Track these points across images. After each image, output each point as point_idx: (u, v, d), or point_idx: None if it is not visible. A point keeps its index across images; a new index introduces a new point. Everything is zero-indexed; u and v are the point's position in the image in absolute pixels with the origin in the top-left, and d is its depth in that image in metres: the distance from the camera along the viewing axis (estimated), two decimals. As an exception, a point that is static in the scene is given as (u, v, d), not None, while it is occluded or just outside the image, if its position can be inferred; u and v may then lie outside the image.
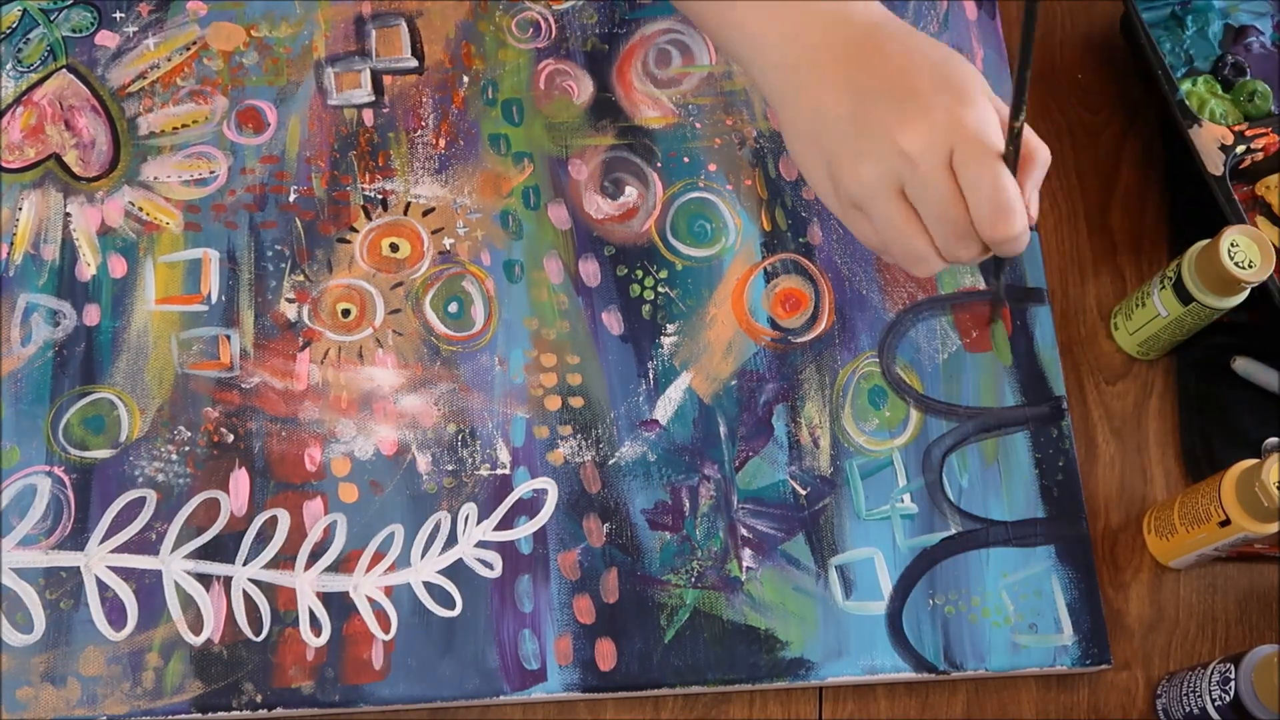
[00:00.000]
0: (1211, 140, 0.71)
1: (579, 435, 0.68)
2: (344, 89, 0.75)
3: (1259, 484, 0.59)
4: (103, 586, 0.64)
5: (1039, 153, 0.53)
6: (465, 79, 0.76)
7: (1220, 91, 0.75)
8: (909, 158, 0.50)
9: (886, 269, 0.72)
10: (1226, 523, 0.61)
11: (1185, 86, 0.74)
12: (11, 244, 0.70)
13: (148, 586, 0.64)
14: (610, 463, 0.67)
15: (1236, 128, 0.72)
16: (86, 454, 0.66)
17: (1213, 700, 0.60)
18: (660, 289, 0.71)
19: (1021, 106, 0.50)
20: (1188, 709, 0.62)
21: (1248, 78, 0.75)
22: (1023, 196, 0.50)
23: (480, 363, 0.69)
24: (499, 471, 0.67)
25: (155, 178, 0.72)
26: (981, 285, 0.72)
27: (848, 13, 0.54)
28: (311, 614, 0.64)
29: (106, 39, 0.75)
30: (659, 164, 0.74)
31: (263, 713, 0.62)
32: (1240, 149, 0.71)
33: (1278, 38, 0.77)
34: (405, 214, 0.72)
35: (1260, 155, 0.72)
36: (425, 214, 0.72)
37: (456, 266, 0.71)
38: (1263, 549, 0.65)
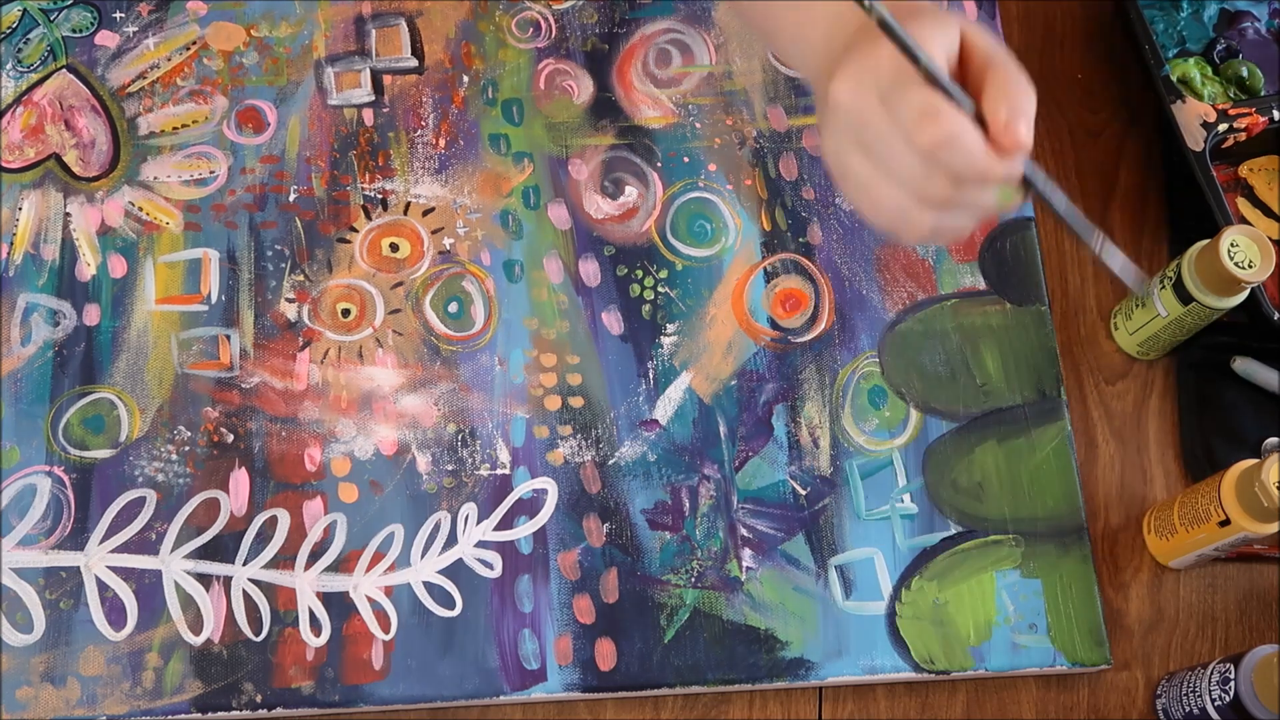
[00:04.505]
0: (1194, 116, 0.71)
1: (579, 435, 0.68)
2: (344, 89, 0.75)
3: (1259, 484, 0.59)
4: (103, 586, 0.64)
5: (1010, 73, 0.47)
6: (465, 79, 0.76)
7: (1210, 74, 0.75)
8: (843, 108, 0.47)
9: (886, 269, 0.72)
10: (1226, 523, 0.61)
11: (1175, 66, 0.74)
12: (11, 244, 0.70)
13: (147, 586, 0.64)
14: (610, 463, 0.67)
15: (1220, 106, 0.72)
16: (86, 454, 0.66)
17: (1212, 700, 0.60)
18: (660, 289, 0.71)
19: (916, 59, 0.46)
20: (1188, 709, 0.62)
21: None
22: (1007, 121, 0.46)
23: (480, 363, 0.69)
24: (499, 471, 0.67)
25: (155, 178, 0.72)
26: (981, 285, 0.72)
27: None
28: (311, 614, 0.64)
29: (106, 39, 0.75)
30: (659, 164, 0.74)
31: (263, 713, 0.62)
32: (1223, 127, 0.71)
33: (1273, 24, 0.77)
34: (405, 214, 0.72)
35: (1243, 135, 0.72)
36: (425, 214, 0.72)
37: (456, 266, 0.71)
38: (1263, 549, 0.65)
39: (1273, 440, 0.70)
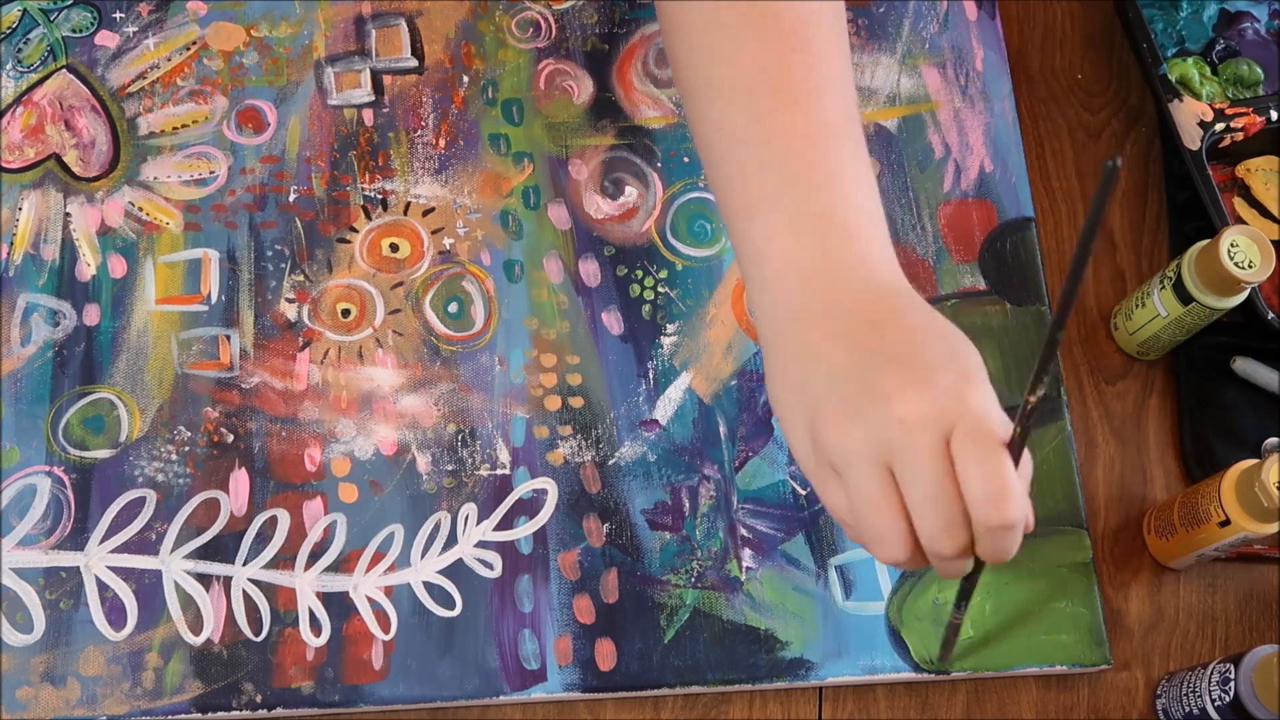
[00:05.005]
0: (1191, 115, 0.71)
1: (579, 435, 0.68)
2: (344, 89, 0.75)
3: (1259, 484, 0.59)
4: (103, 586, 0.64)
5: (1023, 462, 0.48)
6: (465, 79, 0.76)
7: (1209, 74, 0.75)
8: (905, 426, 0.46)
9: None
10: (1226, 523, 0.61)
11: (1174, 66, 0.74)
12: (11, 244, 0.70)
13: (147, 586, 0.64)
14: (610, 463, 0.67)
15: (1217, 105, 0.72)
16: (86, 454, 0.66)
17: (1212, 700, 0.60)
18: (660, 289, 0.71)
19: (1042, 381, 0.46)
20: (1187, 709, 0.62)
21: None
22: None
23: (480, 363, 0.69)
24: (499, 471, 0.67)
25: (155, 178, 0.72)
26: (981, 285, 0.72)
27: (871, 275, 0.50)
28: (311, 614, 0.64)
29: (106, 39, 0.75)
30: (659, 164, 0.74)
31: (263, 713, 0.62)
32: (1220, 127, 0.71)
33: (1273, 25, 0.78)
34: (405, 214, 0.72)
35: (1240, 135, 0.72)
36: (425, 214, 0.72)
37: (456, 266, 0.71)
38: (1263, 549, 0.65)
39: (1273, 440, 0.70)
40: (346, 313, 0.70)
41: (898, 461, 0.46)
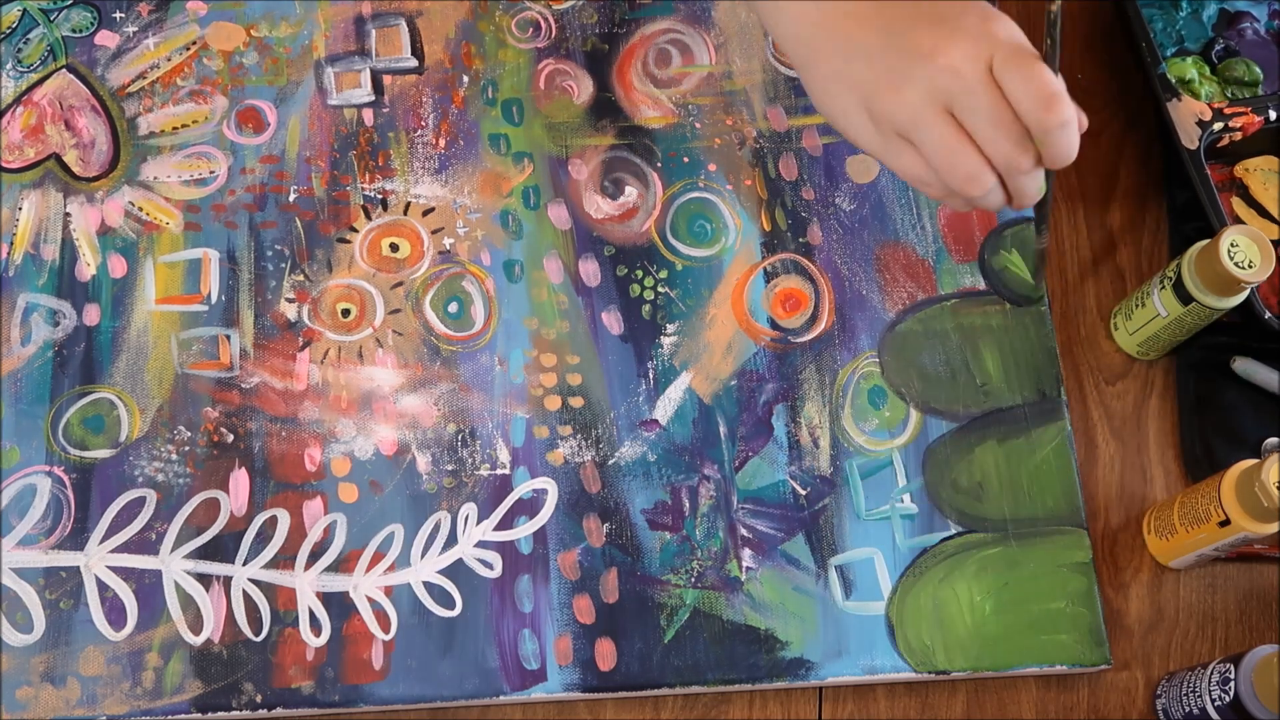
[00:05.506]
0: (1189, 115, 0.71)
1: (579, 435, 0.68)
2: (344, 89, 0.75)
3: (1259, 484, 0.59)
4: (102, 586, 0.64)
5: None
6: (465, 79, 0.76)
7: (1208, 73, 0.75)
8: (954, 71, 0.51)
9: (886, 269, 0.72)
10: (1226, 523, 0.61)
11: (1173, 65, 0.74)
12: (11, 244, 0.70)
13: (147, 586, 0.64)
14: (610, 463, 0.67)
15: (1215, 105, 0.72)
16: (86, 454, 0.66)
17: (1212, 700, 0.60)
18: (660, 289, 0.71)
19: None
20: (1187, 709, 0.62)
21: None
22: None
23: (480, 363, 0.69)
24: (499, 471, 0.67)
25: (155, 178, 0.72)
26: (981, 285, 0.72)
27: None
28: (311, 614, 0.64)
29: (106, 39, 0.75)
30: (659, 164, 0.74)
31: (263, 713, 0.62)
32: (1218, 126, 0.71)
33: (1273, 25, 0.78)
34: (405, 214, 0.72)
35: (1239, 135, 0.72)
36: (425, 214, 0.72)
37: (456, 266, 0.71)
38: (1263, 549, 0.65)
39: (1273, 440, 0.70)
40: (346, 312, 0.70)
41: (957, 104, 0.52)
